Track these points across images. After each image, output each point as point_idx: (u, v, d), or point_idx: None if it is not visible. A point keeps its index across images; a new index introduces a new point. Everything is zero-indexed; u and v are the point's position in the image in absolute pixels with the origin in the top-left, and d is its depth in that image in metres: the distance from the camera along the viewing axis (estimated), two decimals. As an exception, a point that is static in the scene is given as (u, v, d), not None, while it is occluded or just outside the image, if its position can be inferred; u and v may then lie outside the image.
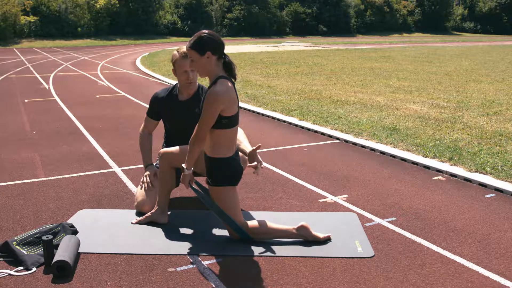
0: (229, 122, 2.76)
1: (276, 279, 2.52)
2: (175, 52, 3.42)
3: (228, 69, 2.82)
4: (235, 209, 2.89)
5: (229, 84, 2.75)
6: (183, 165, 2.83)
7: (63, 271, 2.52)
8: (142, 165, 3.62)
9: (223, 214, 2.86)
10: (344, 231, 3.10)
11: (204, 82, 11.07)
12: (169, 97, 3.55)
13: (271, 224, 2.94)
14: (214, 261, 2.72)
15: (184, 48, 3.41)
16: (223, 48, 2.80)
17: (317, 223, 3.21)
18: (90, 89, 10.72)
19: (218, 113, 2.71)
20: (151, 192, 3.42)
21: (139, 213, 3.39)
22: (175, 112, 3.53)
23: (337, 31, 57.69)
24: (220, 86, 2.70)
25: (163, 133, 3.76)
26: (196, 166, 3.15)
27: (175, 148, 3.18)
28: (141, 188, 3.47)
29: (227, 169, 2.83)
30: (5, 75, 13.85)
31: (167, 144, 3.70)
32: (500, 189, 3.87)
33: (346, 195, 3.80)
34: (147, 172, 3.52)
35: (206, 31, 2.79)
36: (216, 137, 2.78)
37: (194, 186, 2.94)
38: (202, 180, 3.99)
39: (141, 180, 3.55)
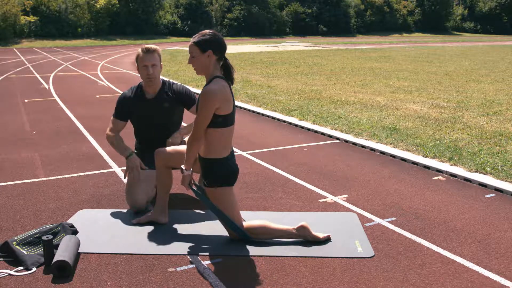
0: (224, 121, 2.77)
1: (276, 279, 2.52)
2: (139, 49, 3.51)
3: (227, 72, 2.83)
4: (233, 209, 2.89)
5: (224, 83, 2.76)
6: (182, 166, 2.83)
7: (63, 271, 2.52)
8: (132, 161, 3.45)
9: (222, 214, 2.86)
10: (344, 231, 3.10)
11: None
12: (136, 96, 3.59)
13: (271, 224, 2.94)
14: (214, 261, 2.72)
15: (148, 45, 3.50)
16: (224, 51, 2.82)
17: (317, 223, 3.21)
18: (90, 89, 10.72)
19: (213, 112, 2.71)
20: (139, 187, 3.41)
21: (139, 213, 3.39)
22: (143, 110, 3.58)
23: (337, 31, 57.68)
24: (214, 85, 2.71)
25: (132, 134, 3.79)
26: (194, 166, 3.15)
27: (170, 148, 3.18)
28: (128, 180, 3.44)
29: (222, 170, 2.83)
30: (5, 75, 13.85)
31: (140, 143, 3.75)
32: (500, 189, 3.87)
33: (346, 195, 3.80)
34: (131, 164, 3.41)
35: (212, 31, 2.83)
36: (211, 136, 2.78)
37: (194, 187, 2.94)
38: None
39: (126, 173, 3.40)
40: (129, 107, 3.58)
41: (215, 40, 2.77)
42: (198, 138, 2.76)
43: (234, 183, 2.91)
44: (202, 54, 2.77)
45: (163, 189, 3.21)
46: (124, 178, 3.46)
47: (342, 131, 6.02)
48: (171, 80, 3.72)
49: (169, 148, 3.17)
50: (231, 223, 2.87)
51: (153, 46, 3.49)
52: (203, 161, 2.85)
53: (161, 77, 3.65)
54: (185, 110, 3.74)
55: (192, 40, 2.81)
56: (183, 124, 3.85)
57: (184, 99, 3.63)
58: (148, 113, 3.58)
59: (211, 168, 2.82)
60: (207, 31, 2.82)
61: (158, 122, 3.62)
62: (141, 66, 3.47)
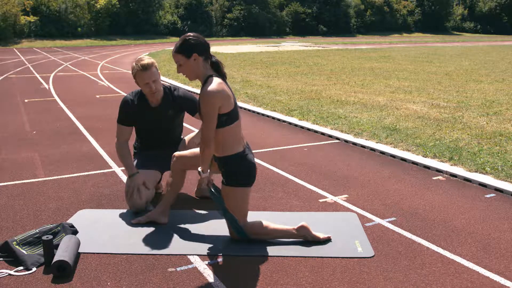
0: (229, 118, 2.76)
1: (276, 279, 2.52)
2: (134, 65, 3.41)
3: (217, 68, 2.82)
4: (242, 210, 2.87)
5: (220, 80, 2.75)
6: (199, 169, 2.83)
7: (63, 271, 2.52)
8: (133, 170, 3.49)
9: (226, 211, 2.86)
10: (344, 231, 3.10)
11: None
12: (140, 103, 3.53)
13: (271, 224, 2.94)
14: (214, 261, 2.72)
15: (143, 61, 3.39)
16: (208, 49, 2.81)
17: (317, 223, 3.21)
18: (90, 89, 10.72)
19: (217, 111, 2.70)
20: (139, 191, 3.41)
21: (139, 213, 3.39)
22: (148, 118, 3.56)
23: (337, 31, 57.68)
24: (211, 84, 2.69)
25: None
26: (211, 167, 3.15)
27: (190, 151, 3.19)
28: (130, 193, 3.42)
29: (239, 166, 2.82)
30: (5, 75, 13.85)
31: (141, 143, 3.74)
32: (500, 189, 3.87)
33: (346, 195, 3.80)
34: (132, 183, 3.40)
35: (190, 34, 2.80)
36: (221, 136, 2.77)
37: (212, 188, 2.92)
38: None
39: (130, 189, 3.40)
40: (134, 114, 3.53)
41: (196, 42, 2.75)
42: (208, 141, 2.72)
43: (253, 182, 2.89)
44: (188, 59, 2.74)
45: (174, 190, 3.22)
46: (126, 197, 3.43)
47: (342, 131, 6.02)
48: (172, 85, 3.68)
49: (187, 152, 3.18)
50: (234, 222, 2.86)
51: (149, 61, 3.37)
52: (219, 161, 2.85)
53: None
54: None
55: (174, 49, 2.78)
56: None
57: (188, 105, 3.63)
58: (153, 120, 3.58)
59: (227, 165, 2.82)
60: (185, 36, 2.78)
61: (162, 127, 3.64)
62: (143, 84, 3.39)
